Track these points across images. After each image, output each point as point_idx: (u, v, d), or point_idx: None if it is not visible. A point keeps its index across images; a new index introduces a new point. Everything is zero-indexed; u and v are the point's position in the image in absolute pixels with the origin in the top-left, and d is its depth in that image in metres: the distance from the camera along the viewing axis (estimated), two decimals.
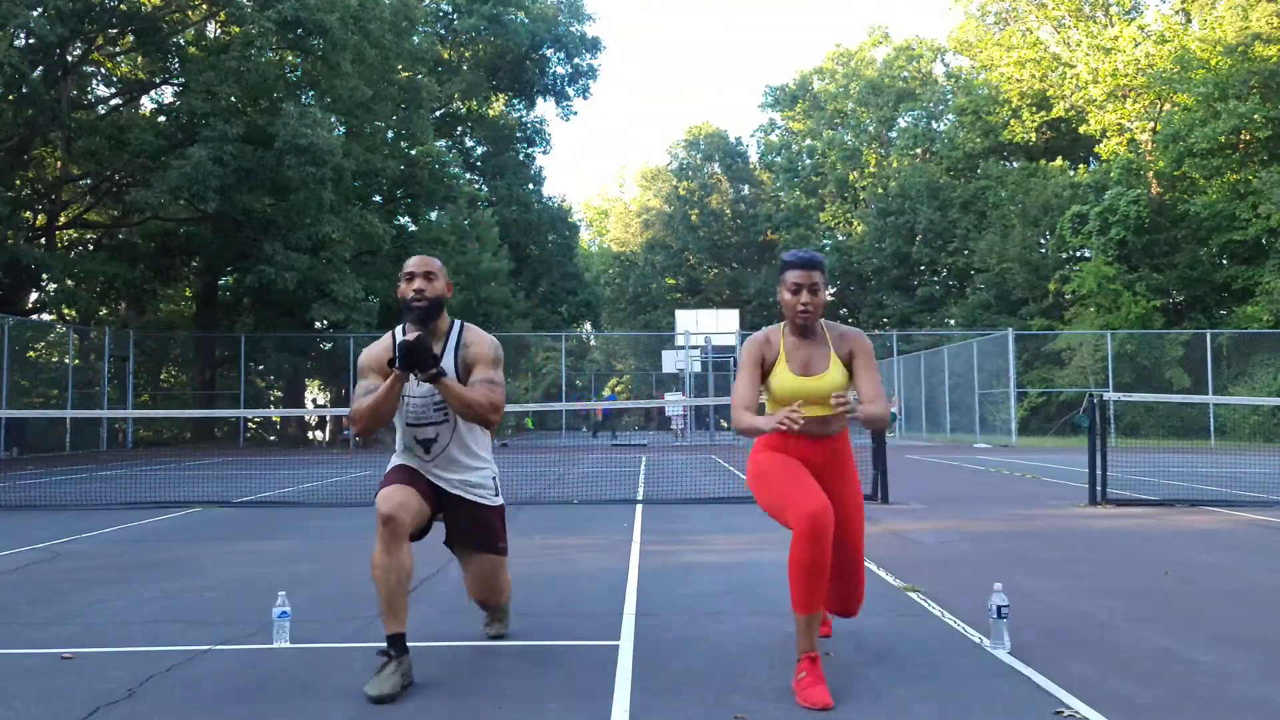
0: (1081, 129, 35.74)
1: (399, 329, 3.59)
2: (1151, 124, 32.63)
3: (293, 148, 20.96)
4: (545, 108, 73.67)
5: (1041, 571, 5.45)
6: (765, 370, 3.49)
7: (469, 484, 3.61)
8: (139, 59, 24.53)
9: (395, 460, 3.66)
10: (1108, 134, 33.92)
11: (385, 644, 3.26)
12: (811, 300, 3.37)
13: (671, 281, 55.49)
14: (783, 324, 3.53)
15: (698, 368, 28.66)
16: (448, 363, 3.51)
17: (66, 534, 7.28)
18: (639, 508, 8.93)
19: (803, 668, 3.12)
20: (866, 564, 5.67)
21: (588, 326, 48.04)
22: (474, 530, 3.65)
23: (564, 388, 29.66)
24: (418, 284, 3.49)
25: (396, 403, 3.44)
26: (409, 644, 3.31)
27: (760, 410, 3.43)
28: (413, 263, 3.56)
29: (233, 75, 21.91)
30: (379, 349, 3.59)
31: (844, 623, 4.15)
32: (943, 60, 49.65)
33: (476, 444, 3.64)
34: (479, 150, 40.87)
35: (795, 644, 3.19)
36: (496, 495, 3.70)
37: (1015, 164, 39.97)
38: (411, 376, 3.40)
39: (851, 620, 4.17)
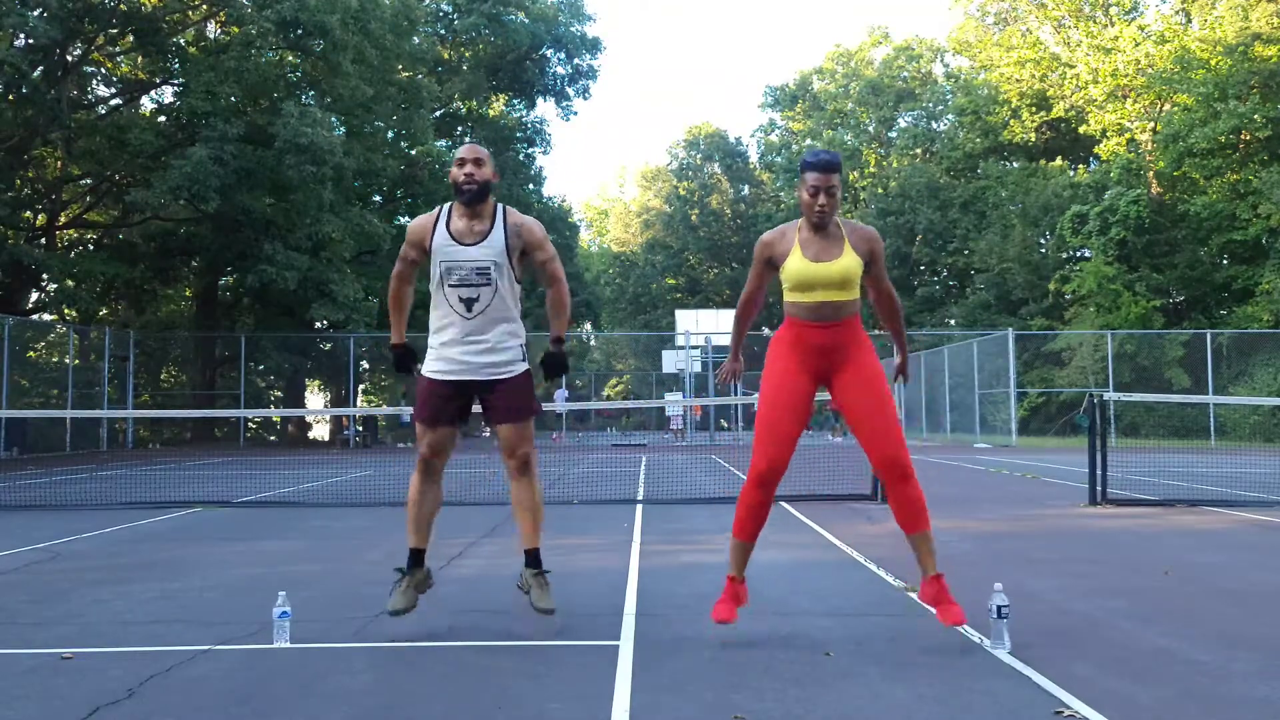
0: (1081, 129, 35.73)
1: (445, 205, 4.05)
2: (1151, 124, 32.63)
3: (293, 147, 20.96)
4: (545, 108, 73.51)
5: (1041, 571, 5.45)
6: (776, 264, 3.80)
7: (499, 364, 3.97)
8: (139, 59, 24.52)
9: (429, 352, 4.01)
10: (1108, 134, 33.92)
11: (406, 562, 3.95)
12: (828, 201, 3.65)
13: (671, 281, 55.49)
14: (801, 220, 3.81)
15: (698, 368, 28.65)
16: (496, 239, 3.95)
17: (66, 534, 7.28)
18: (639, 508, 8.93)
19: (725, 589, 3.81)
20: (866, 563, 5.68)
21: (588, 326, 48.04)
22: (510, 403, 3.99)
23: (564, 388, 29.64)
24: (468, 168, 3.91)
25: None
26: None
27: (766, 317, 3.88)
28: (464, 150, 3.98)
29: (233, 75, 21.91)
30: (422, 221, 4.04)
31: (844, 623, 4.15)
32: (942, 60, 49.65)
33: (513, 302, 4.04)
34: None
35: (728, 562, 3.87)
36: (524, 361, 4.05)
37: (1015, 164, 39.95)
38: (456, 242, 3.92)
39: (851, 620, 4.18)
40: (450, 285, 3.94)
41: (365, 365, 30.84)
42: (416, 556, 4.00)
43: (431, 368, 4.00)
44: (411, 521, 4.01)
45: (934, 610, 3.74)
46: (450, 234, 3.95)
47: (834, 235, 3.76)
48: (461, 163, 3.95)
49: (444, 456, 4.00)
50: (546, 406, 9.77)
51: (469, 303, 3.94)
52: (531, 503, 4.07)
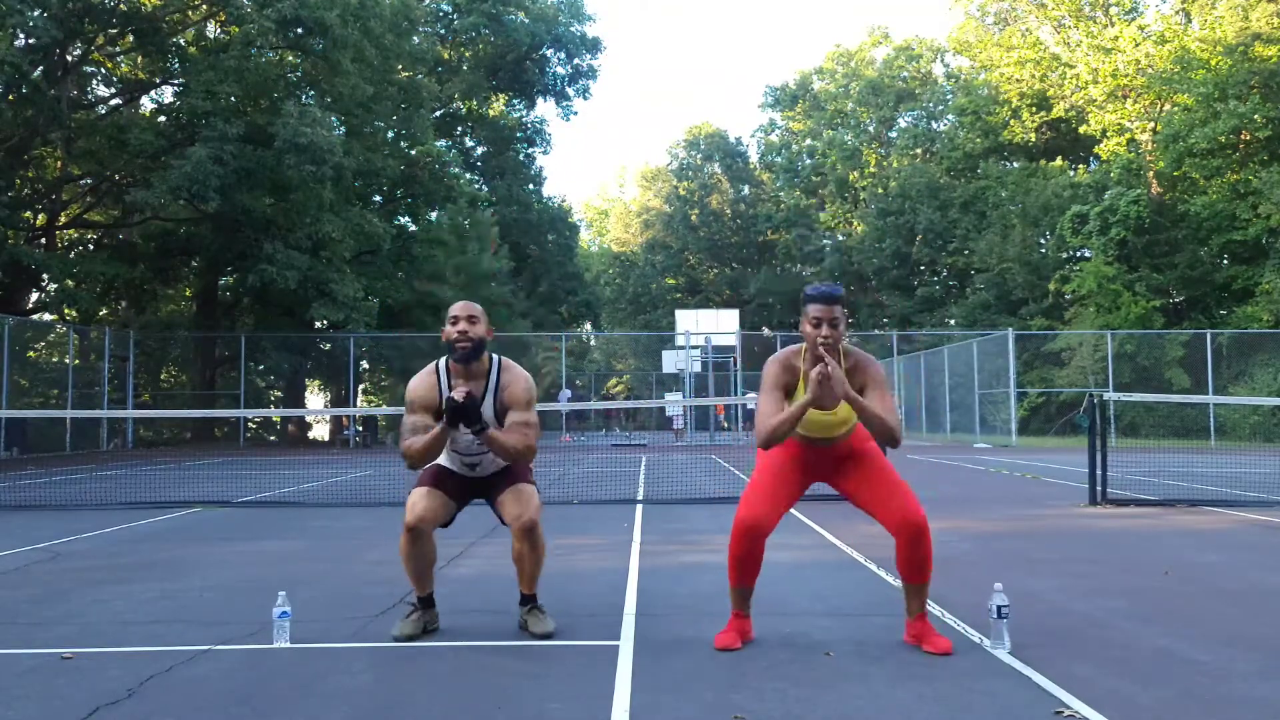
0: (1081, 129, 35.73)
1: (441, 362, 3.98)
2: (1151, 124, 32.63)
3: (292, 147, 20.96)
4: (545, 108, 73.60)
5: (1041, 571, 5.45)
6: (787, 392, 3.75)
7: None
8: (139, 59, 24.52)
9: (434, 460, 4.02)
10: (1108, 134, 33.92)
11: (415, 600, 4.01)
12: (831, 334, 3.64)
13: (671, 281, 55.49)
14: (803, 347, 3.77)
15: (698, 368, 28.64)
16: (487, 406, 3.88)
17: (66, 534, 7.28)
18: (639, 508, 8.93)
19: (729, 622, 3.85)
20: (866, 563, 5.68)
21: (588, 326, 48.05)
22: (506, 479, 4.00)
23: (564, 388, 29.64)
24: (462, 326, 3.85)
25: (444, 445, 3.91)
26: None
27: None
28: (457, 308, 3.91)
29: (233, 75, 21.91)
30: (425, 384, 3.95)
31: (844, 623, 4.16)
32: (943, 60, 49.66)
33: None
34: (479, 150, 40.86)
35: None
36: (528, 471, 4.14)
37: (1015, 164, 39.96)
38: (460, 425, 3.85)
39: (851, 620, 4.18)
40: (455, 451, 3.98)
41: (365, 365, 30.85)
42: (425, 601, 4.04)
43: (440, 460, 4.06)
44: (412, 578, 3.99)
45: (921, 645, 3.73)
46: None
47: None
48: (455, 320, 3.86)
49: (431, 525, 3.89)
50: (549, 407, 9.75)
51: (473, 465, 4.03)
52: (535, 560, 3.98)
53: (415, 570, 3.93)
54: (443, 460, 4.03)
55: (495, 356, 3.99)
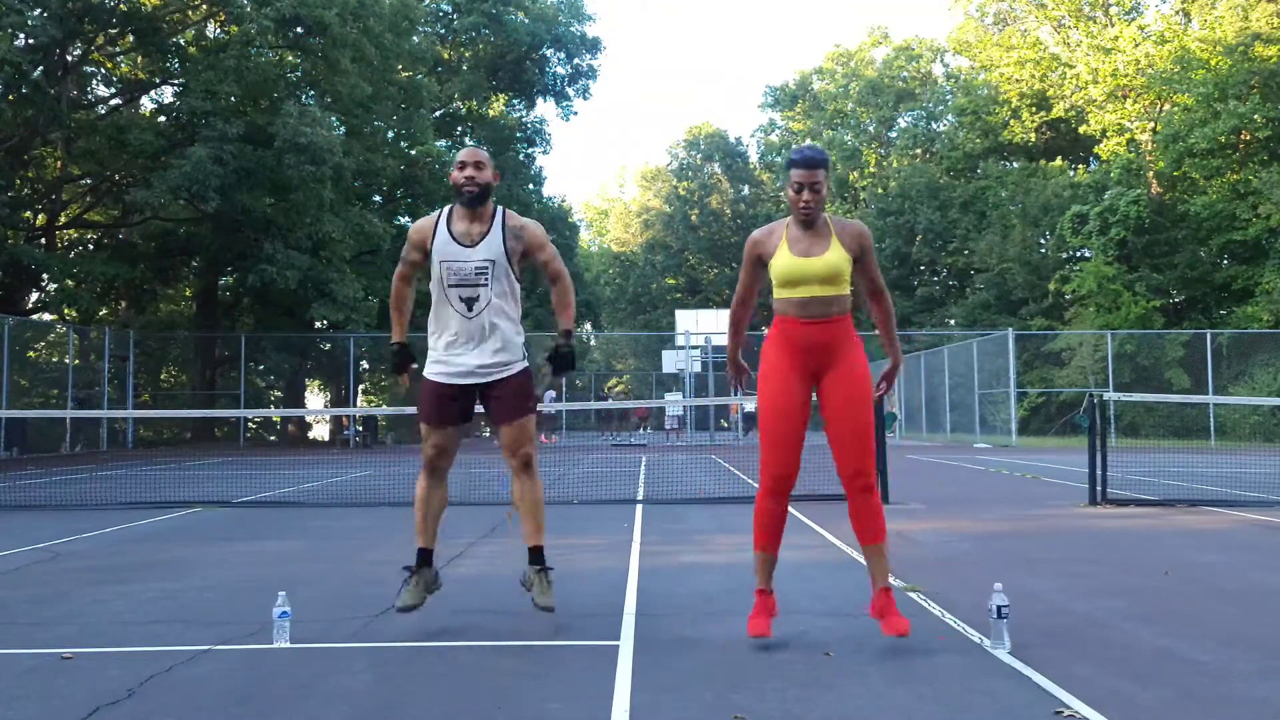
0: (1081, 129, 35.74)
1: (447, 208, 4.10)
2: (1151, 124, 32.63)
3: (292, 147, 20.96)
4: (545, 108, 73.54)
5: (1041, 571, 5.45)
6: (765, 261, 3.81)
7: (499, 365, 4.02)
8: (139, 59, 24.52)
9: (430, 354, 4.06)
10: (1108, 134, 33.92)
11: (415, 559, 4.05)
12: (813, 197, 3.68)
13: (671, 281, 55.50)
14: (789, 218, 3.83)
15: (698, 368, 28.65)
16: (495, 239, 4.00)
17: (66, 534, 7.27)
18: (639, 508, 8.92)
19: (756, 603, 3.83)
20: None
21: (588, 326, 48.03)
22: (511, 402, 4.04)
23: (564, 388, 29.65)
24: (469, 171, 3.97)
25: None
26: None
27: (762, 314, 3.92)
28: (465, 153, 4.03)
29: (232, 74, 21.91)
30: (423, 224, 4.10)
31: (844, 623, 4.15)
32: (942, 60, 49.68)
33: (513, 303, 4.10)
34: None
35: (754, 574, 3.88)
36: (523, 360, 4.11)
37: (1015, 164, 39.96)
38: (457, 243, 3.98)
39: (851, 620, 4.18)
40: (451, 285, 4.00)
41: (365, 365, 30.86)
42: (424, 556, 4.09)
43: (433, 370, 4.06)
44: (419, 522, 4.11)
45: (879, 621, 3.72)
46: (451, 235, 4.01)
47: (822, 231, 3.77)
48: (462, 165, 4.00)
49: (448, 457, 4.08)
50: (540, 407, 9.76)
51: (469, 302, 4.00)
52: (534, 500, 4.13)
53: (427, 513, 4.08)
54: (436, 356, 4.05)
55: (499, 205, 4.09)
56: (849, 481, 3.75)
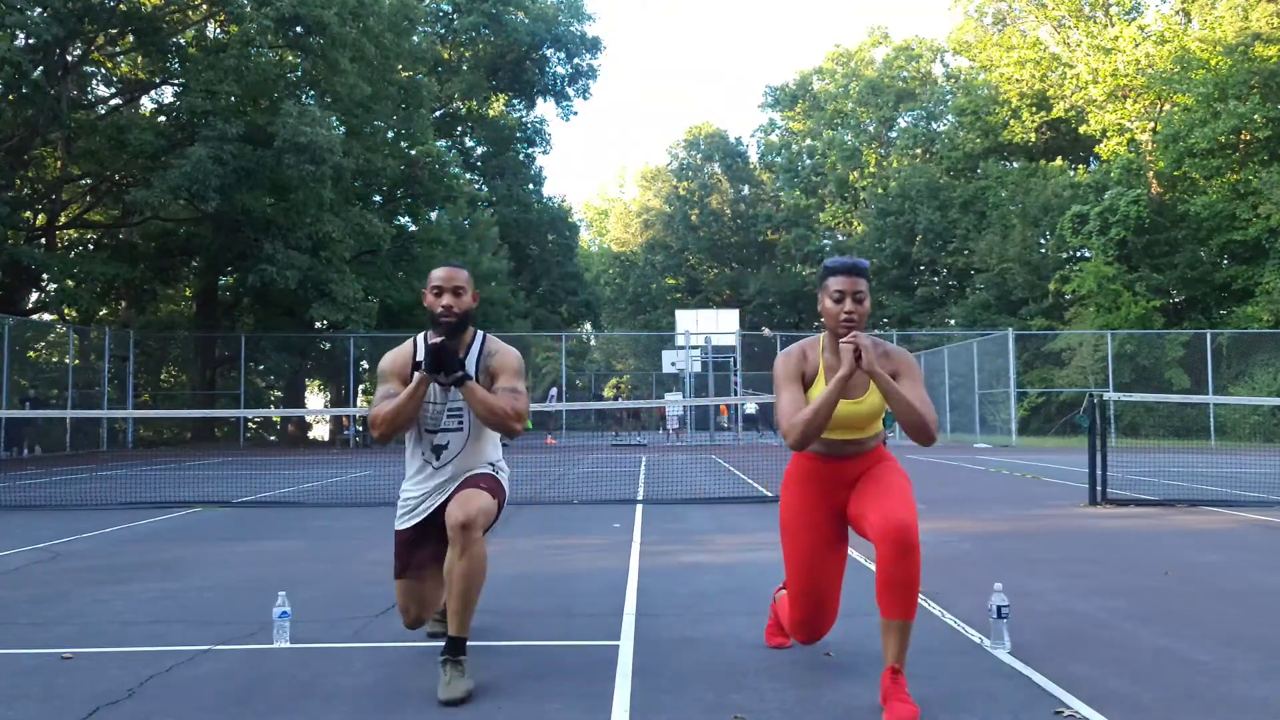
0: (1081, 129, 35.75)
1: (421, 337, 3.65)
2: (1151, 124, 32.63)
3: (292, 146, 20.95)
4: (545, 108, 73.63)
5: (1041, 571, 5.45)
6: (804, 386, 3.27)
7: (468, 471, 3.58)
8: (139, 59, 24.51)
9: (401, 501, 3.70)
10: (1108, 134, 33.93)
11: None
12: (856, 309, 3.17)
13: (671, 281, 55.50)
14: (822, 336, 3.34)
15: (698, 368, 28.65)
16: (470, 371, 3.52)
17: (66, 534, 7.28)
18: (639, 508, 8.93)
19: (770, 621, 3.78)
20: (867, 564, 5.67)
21: (588, 326, 48.06)
22: (464, 484, 3.51)
23: (564, 388, 29.65)
24: (446, 299, 3.51)
25: (419, 407, 3.47)
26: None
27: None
28: (440, 276, 3.54)
29: (232, 74, 21.90)
30: (401, 355, 3.62)
31: (844, 623, 4.15)
32: (942, 60, 49.69)
33: (490, 447, 3.69)
34: (479, 150, 40.88)
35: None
36: (505, 480, 3.69)
37: (1015, 164, 39.98)
38: (433, 387, 3.48)
39: (851, 620, 4.18)
40: (425, 429, 3.59)
41: (365, 365, 30.87)
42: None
43: (402, 521, 3.69)
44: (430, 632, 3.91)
45: (883, 706, 2.98)
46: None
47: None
48: (439, 291, 3.51)
49: (426, 612, 3.67)
50: (540, 407, 9.74)
51: (438, 450, 3.58)
52: (464, 581, 3.25)
53: (431, 632, 3.90)
54: (404, 500, 3.65)
55: (479, 330, 3.67)
56: (890, 534, 2.95)
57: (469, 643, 3.30)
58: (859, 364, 3.08)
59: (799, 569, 3.33)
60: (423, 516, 3.63)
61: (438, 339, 3.40)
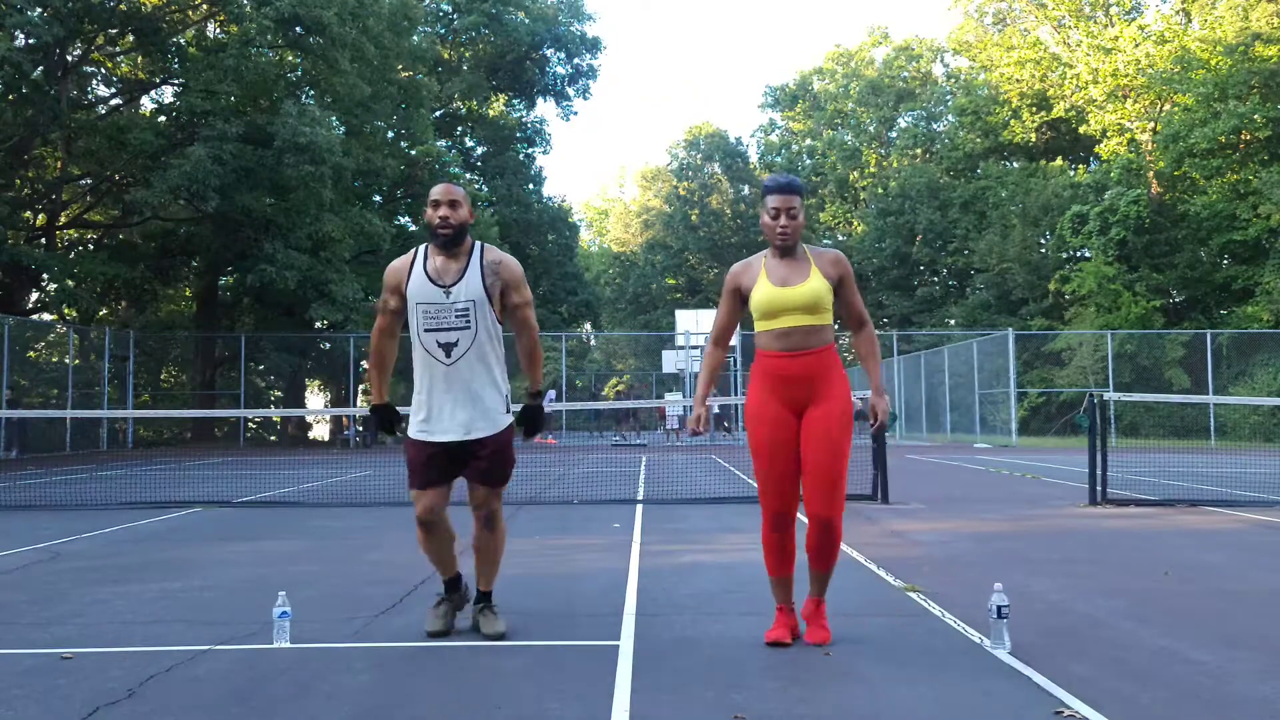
0: (1081, 129, 35.75)
1: (423, 247, 3.88)
2: (1151, 124, 32.64)
3: (292, 146, 20.96)
4: (545, 108, 73.72)
5: (1041, 571, 5.45)
6: (745, 294, 3.77)
7: (483, 420, 3.80)
8: (139, 59, 24.52)
9: (414, 415, 3.85)
10: (1108, 134, 33.93)
11: (442, 588, 4.00)
12: (790, 224, 3.66)
13: (671, 281, 55.49)
14: (767, 250, 3.80)
15: (697, 368, 28.64)
16: (474, 279, 3.78)
17: (66, 534, 7.27)
18: (639, 508, 8.92)
19: (776, 617, 3.86)
20: (866, 564, 5.67)
21: (588, 326, 48.03)
22: (491, 466, 3.85)
23: (564, 388, 29.65)
24: (443, 211, 3.74)
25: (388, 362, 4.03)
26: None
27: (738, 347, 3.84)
28: (438, 190, 3.79)
29: (232, 74, 21.91)
30: (398, 266, 3.88)
31: (844, 623, 4.15)
32: (942, 60, 49.69)
33: (495, 347, 3.88)
34: (479, 150, 40.87)
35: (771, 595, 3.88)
36: (507, 414, 3.90)
37: (1015, 164, 39.98)
38: (433, 283, 3.76)
39: (852, 620, 4.18)
40: (428, 330, 3.77)
41: (365, 365, 30.89)
42: (451, 583, 4.02)
43: (416, 429, 3.84)
44: (434, 563, 4.01)
45: (805, 626, 3.86)
46: (427, 275, 3.78)
47: (800, 260, 3.72)
48: (435, 204, 3.77)
49: (440, 513, 3.86)
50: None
51: (448, 348, 3.77)
52: (492, 548, 3.98)
53: (436, 556, 3.94)
54: (418, 412, 3.84)
55: (477, 241, 3.87)
56: (813, 520, 3.74)
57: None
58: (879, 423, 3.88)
59: (762, 456, 3.75)
60: (441, 439, 3.79)
61: (375, 411, 4.03)
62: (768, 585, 3.97)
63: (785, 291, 3.64)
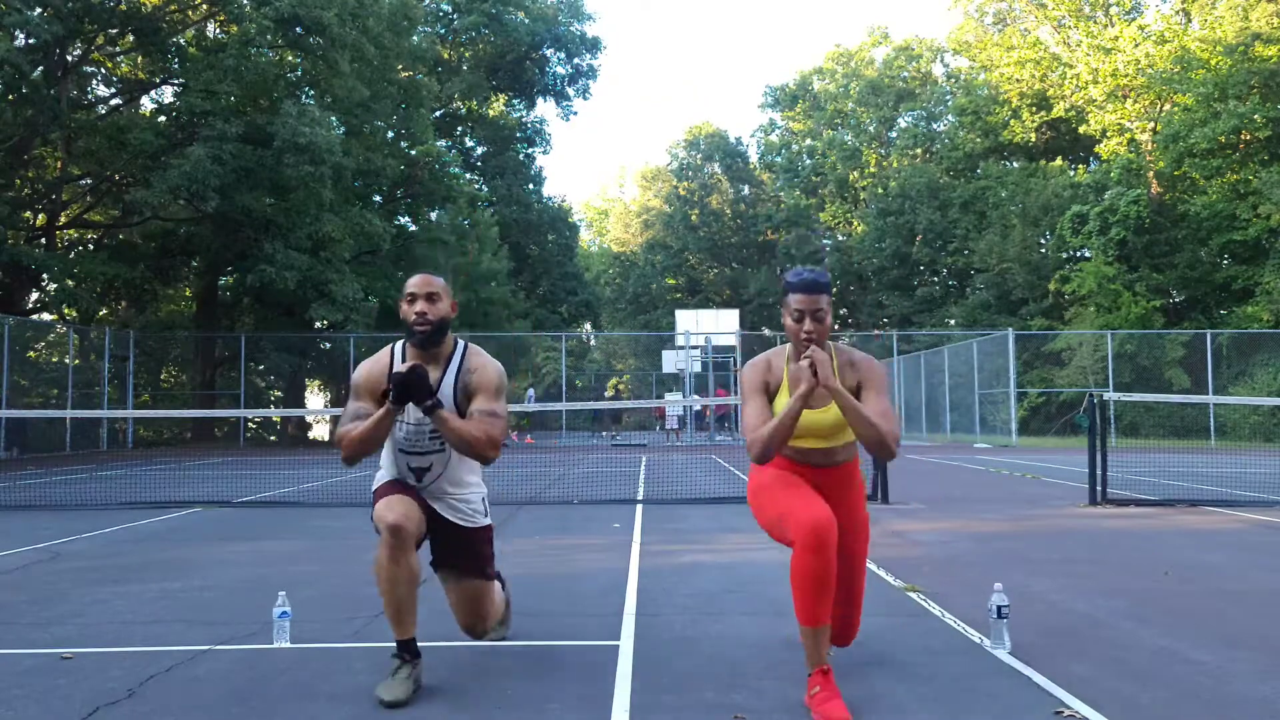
0: (1081, 129, 35.76)
1: (398, 345, 3.45)
2: (1151, 124, 32.64)
3: (292, 146, 20.95)
4: (545, 108, 73.69)
5: (1041, 571, 5.45)
6: (769, 397, 3.27)
7: (456, 508, 3.46)
8: (139, 59, 24.52)
9: (384, 476, 3.50)
10: (1108, 134, 33.93)
11: (396, 647, 3.22)
12: (816, 328, 3.14)
13: (671, 281, 55.48)
14: (786, 347, 3.32)
15: (698, 368, 28.64)
16: (447, 388, 3.33)
17: (66, 534, 7.27)
18: (639, 508, 8.92)
19: (815, 682, 2.96)
20: (866, 564, 5.67)
21: (588, 326, 48.04)
22: (461, 554, 3.47)
23: (564, 388, 29.66)
24: (420, 306, 3.31)
25: (387, 434, 3.27)
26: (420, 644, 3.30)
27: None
28: (415, 283, 3.35)
29: (232, 74, 21.91)
30: (375, 368, 3.40)
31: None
32: (942, 60, 49.70)
33: (469, 472, 3.50)
34: (479, 150, 40.89)
35: (805, 660, 3.04)
36: (485, 516, 3.54)
37: (1015, 164, 39.98)
38: (407, 407, 3.25)
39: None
40: (402, 451, 3.40)
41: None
42: (408, 647, 3.22)
43: (381, 479, 3.51)
44: (390, 610, 3.20)
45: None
46: None
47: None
48: (412, 298, 3.32)
49: (413, 524, 3.23)
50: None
51: (419, 473, 3.40)
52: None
53: (397, 596, 3.16)
54: (389, 474, 3.49)
55: (460, 341, 3.46)
56: (838, 628, 3.35)
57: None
58: (817, 380, 3.03)
59: (783, 484, 3.22)
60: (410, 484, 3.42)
61: (403, 368, 3.15)
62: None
63: (810, 414, 3.18)
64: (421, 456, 3.38)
